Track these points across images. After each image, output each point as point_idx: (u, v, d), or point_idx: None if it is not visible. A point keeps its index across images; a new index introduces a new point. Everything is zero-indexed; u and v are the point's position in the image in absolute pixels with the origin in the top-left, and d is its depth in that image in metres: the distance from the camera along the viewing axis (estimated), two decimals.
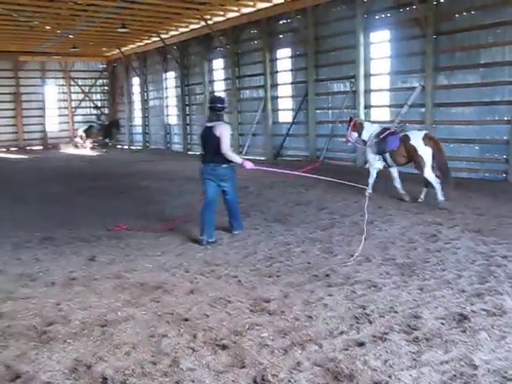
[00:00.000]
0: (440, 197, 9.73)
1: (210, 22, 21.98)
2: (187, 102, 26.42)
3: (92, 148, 30.08)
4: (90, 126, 30.22)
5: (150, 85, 29.96)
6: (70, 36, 25.50)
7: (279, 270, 6.30)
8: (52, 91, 32.97)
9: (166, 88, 28.38)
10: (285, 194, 12.09)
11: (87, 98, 33.92)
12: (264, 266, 6.47)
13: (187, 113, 26.49)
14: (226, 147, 7.51)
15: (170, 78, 27.94)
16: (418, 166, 10.15)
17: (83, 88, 33.76)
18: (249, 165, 7.69)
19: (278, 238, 7.96)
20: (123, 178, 16.17)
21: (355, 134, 11.26)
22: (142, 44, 28.75)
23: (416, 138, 10.06)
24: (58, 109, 33.10)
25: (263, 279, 5.95)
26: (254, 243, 7.65)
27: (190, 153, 25.16)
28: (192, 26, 23.73)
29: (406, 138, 10.20)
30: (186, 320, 4.77)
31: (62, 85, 33.28)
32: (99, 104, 34.31)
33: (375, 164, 10.86)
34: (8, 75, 31.62)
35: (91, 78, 34.11)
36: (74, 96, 33.50)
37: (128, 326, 4.67)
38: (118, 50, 30.94)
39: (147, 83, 30.11)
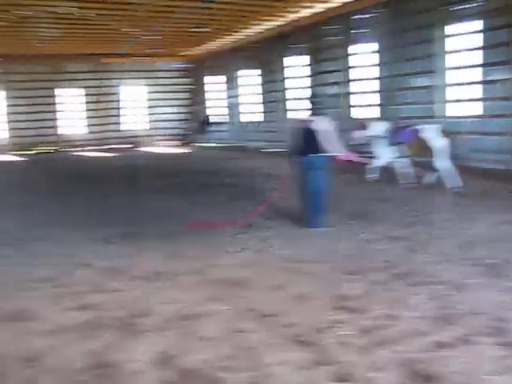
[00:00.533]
0: (449, 184, 11.14)
1: (287, 19, 22.01)
2: (265, 100, 26.61)
3: (177, 146, 30.80)
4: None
5: (228, 83, 30.36)
6: (149, 37, 26.27)
7: (360, 267, 6.25)
8: (133, 91, 34.06)
9: (243, 85, 28.70)
10: (362, 190, 11.96)
11: (166, 98, 34.78)
12: (344, 264, 6.44)
13: (264, 110, 26.66)
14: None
15: (247, 76, 28.22)
16: (430, 156, 11.52)
17: (162, 88, 34.65)
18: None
19: (358, 235, 7.91)
20: (201, 174, 16.48)
21: (361, 132, 12.65)
22: (219, 43, 29.16)
23: (429, 131, 11.68)
24: (139, 108, 34.16)
25: (344, 277, 5.94)
26: (335, 240, 7.64)
27: (262, 150, 25.22)
28: (269, 24, 23.79)
29: (419, 132, 11.80)
30: (268, 316, 4.84)
31: (142, 85, 34.31)
32: (179, 103, 35.09)
33: (385, 156, 12.35)
34: (92, 76, 33.00)
35: (171, 78, 34.95)
36: (153, 96, 34.46)
37: (211, 320, 4.79)
38: (195, 50, 31.53)
39: (226, 81, 30.53)
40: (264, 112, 26.72)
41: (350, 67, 20.33)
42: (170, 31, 24.94)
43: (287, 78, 24.56)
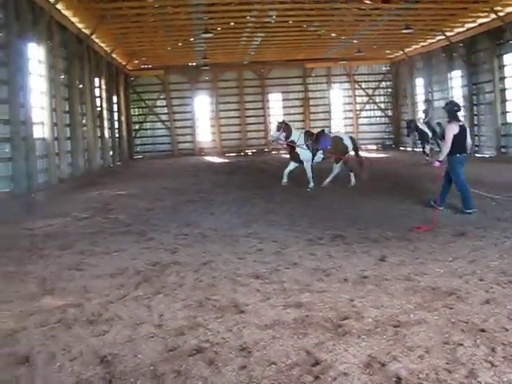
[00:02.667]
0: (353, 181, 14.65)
1: (501, 14, 20.52)
2: (475, 102, 25.05)
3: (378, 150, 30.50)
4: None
5: (434, 85, 29.22)
6: (355, 41, 26.37)
7: None
8: (337, 95, 34.47)
9: (452, 88, 27.33)
10: None
11: (371, 101, 34.61)
12: None
13: (475, 113, 25.11)
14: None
15: (456, 77, 26.83)
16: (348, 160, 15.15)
17: (367, 91, 34.55)
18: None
19: None
20: (408, 179, 16.11)
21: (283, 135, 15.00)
22: (425, 44, 28.26)
23: (346, 139, 15.18)
24: (344, 112, 34.48)
25: None
26: None
27: (477, 155, 23.75)
28: (480, 21, 22.45)
29: (338, 139, 15.12)
30: (483, 331, 4.53)
31: (347, 89, 34.56)
32: (383, 106, 34.66)
33: (310, 160, 14.80)
34: (297, 82, 34.10)
35: (375, 81, 34.71)
36: (358, 99, 34.52)
37: (420, 329, 4.63)
38: (401, 52, 30.91)
39: (431, 83, 29.43)
40: (475, 115, 25.10)
41: None
42: (375, 34, 24.78)
43: (501, 78, 22.76)
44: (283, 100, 34.11)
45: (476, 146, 24.84)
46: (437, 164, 10.29)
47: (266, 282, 6.20)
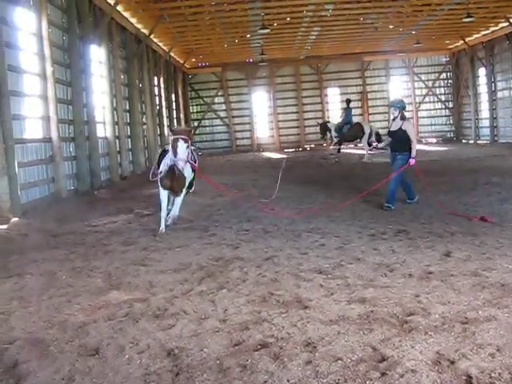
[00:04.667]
0: None
1: None
2: None
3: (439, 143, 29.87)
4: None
5: (497, 75, 28.29)
6: (413, 32, 25.81)
7: None
8: (396, 88, 33.86)
9: None
10: None
11: (431, 93, 33.84)
12: None
13: None
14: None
15: None
16: None
17: (427, 83, 33.79)
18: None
19: None
20: (471, 173, 15.69)
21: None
22: (487, 32, 27.36)
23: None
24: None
25: None
26: None
27: None
28: None
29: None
30: None
31: (406, 81, 33.90)
32: (444, 98, 33.83)
33: None
34: (355, 75, 33.70)
35: (434, 73, 33.92)
36: (417, 91, 33.80)
37: (490, 326, 4.49)
38: (461, 41, 30.07)
39: (495, 73, 28.49)
40: None
41: None
42: (434, 25, 24.21)
43: None
44: (341, 94, 33.79)
45: None
46: (412, 162, 10.37)
47: (330, 277, 6.16)
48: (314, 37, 25.99)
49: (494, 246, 7.14)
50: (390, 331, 4.53)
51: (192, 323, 4.92)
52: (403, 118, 10.68)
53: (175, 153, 8.75)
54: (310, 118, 33.59)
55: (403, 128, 10.47)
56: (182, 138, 8.75)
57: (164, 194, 9.51)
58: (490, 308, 4.90)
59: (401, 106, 10.71)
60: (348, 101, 23.68)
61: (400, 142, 10.53)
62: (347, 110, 23.43)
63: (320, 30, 24.40)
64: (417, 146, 10.76)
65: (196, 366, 4.09)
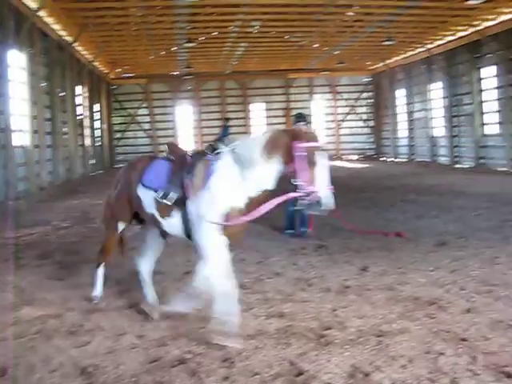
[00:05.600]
0: None
1: (479, 28, 20.89)
2: (454, 113, 25.37)
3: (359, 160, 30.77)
4: None
5: (414, 96, 29.58)
6: (336, 52, 26.60)
7: None
8: (319, 106, 34.65)
9: (432, 99, 27.69)
10: None
11: (353, 112, 34.86)
12: None
13: (454, 124, 25.43)
14: None
15: (436, 89, 27.19)
16: None
17: (349, 102, 34.80)
18: None
19: None
20: (389, 190, 16.23)
21: None
22: (406, 55, 28.62)
23: None
24: (325, 122, 34.63)
25: None
26: None
27: (457, 166, 24.10)
28: (459, 34, 22.84)
29: None
30: (464, 340, 4.56)
31: (329, 99, 34.77)
32: (365, 117, 34.94)
33: None
34: (279, 92, 34.26)
35: (356, 92, 35.00)
36: (340, 110, 34.74)
37: (403, 338, 4.64)
38: (382, 63, 31.26)
39: (412, 95, 29.79)
40: (455, 126, 25.40)
41: None
42: (357, 45, 25.04)
43: (482, 90, 23.08)
44: (266, 110, 34.23)
45: (456, 156, 25.20)
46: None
47: (249, 292, 6.17)
48: (240, 52, 26.24)
49: (408, 261, 7.40)
50: (307, 345, 4.59)
51: (108, 339, 4.80)
52: None
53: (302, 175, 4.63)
54: (234, 133, 33.71)
55: None
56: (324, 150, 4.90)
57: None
58: (403, 321, 5.07)
59: (308, 121, 10.17)
60: (227, 119, 24.57)
61: None
62: (223, 128, 24.03)
63: (246, 46, 24.66)
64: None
65: (111, 383, 3.99)
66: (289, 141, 4.68)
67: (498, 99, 21.78)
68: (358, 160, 32.48)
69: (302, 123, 9.44)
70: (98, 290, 5.82)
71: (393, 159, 31.75)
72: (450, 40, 23.86)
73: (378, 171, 24.28)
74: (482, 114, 23.08)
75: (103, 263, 5.82)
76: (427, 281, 6.38)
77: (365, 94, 35.11)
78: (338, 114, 34.74)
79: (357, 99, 34.97)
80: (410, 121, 30.16)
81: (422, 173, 21.99)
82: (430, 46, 25.35)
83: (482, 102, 23.02)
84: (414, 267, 7.05)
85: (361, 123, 34.96)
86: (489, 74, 22.52)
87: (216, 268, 4.72)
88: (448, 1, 17.62)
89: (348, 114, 34.85)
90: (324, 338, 4.73)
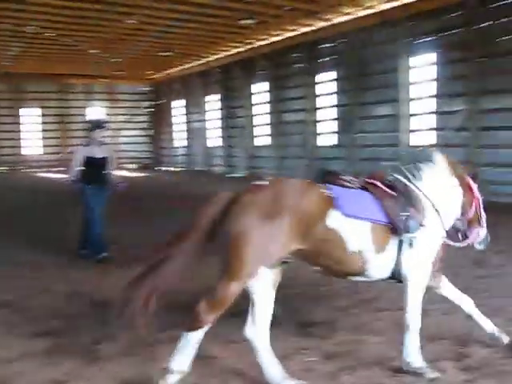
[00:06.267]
0: None
1: (253, 46, 22.32)
2: (230, 125, 26.70)
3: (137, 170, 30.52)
4: None
5: (192, 107, 30.37)
6: (115, 59, 26.19)
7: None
8: (97, 112, 33.63)
9: (208, 111, 28.80)
10: None
11: (132, 120, 34.49)
12: None
13: (229, 135, 26.77)
14: None
15: (213, 101, 28.34)
16: None
17: (128, 110, 34.40)
18: None
19: None
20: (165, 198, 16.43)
21: None
22: (184, 67, 29.29)
23: None
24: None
25: None
26: None
27: (229, 175, 25.25)
28: (235, 50, 24.14)
29: None
30: None
31: (108, 106, 33.98)
32: (144, 126, 34.79)
33: None
34: (56, 97, 32.56)
35: (136, 100, 34.78)
36: (118, 118, 34.14)
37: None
38: (161, 73, 31.57)
39: (190, 105, 30.57)
40: (229, 137, 26.73)
41: (316, 95, 20.72)
42: (137, 54, 24.96)
43: (254, 104, 24.68)
44: (43, 116, 32.20)
45: (229, 166, 26.46)
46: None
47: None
48: (13, 53, 24.42)
49: None
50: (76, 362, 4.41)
51: None
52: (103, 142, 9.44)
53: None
54: (5, 139, 31.19)
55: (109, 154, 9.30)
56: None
57: None
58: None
59: (106, 128, 9.60)
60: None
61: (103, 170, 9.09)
62: None
63: (21, 46, 23.01)
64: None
65: None
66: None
67: (269, 113, 23.46)
68: (136, 169, 32.19)
69: (98, 130, 9.13)
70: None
71: (170, 168, 32.17)
72: (227, 55, 25.05)
73: (156, 180, 24.30)
74: (253, 126, 24.70)
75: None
76: None
77: (145, 103, 35.08)
78: (117, 122, 34.10)
79: (136, 108, 34.75)
80: (188, 131, 30.89)
81: (203, 182, 22.32)
82: (207, 59, 26.30)
83: (253, 115, 24.61)
84: None
85: (140, 132, 34.83)
86: (261, 90, 24.19)
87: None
88: (223, 18, 18.42)
89: (127, 122, 34.44)
90: (94, 353, 4.59)
